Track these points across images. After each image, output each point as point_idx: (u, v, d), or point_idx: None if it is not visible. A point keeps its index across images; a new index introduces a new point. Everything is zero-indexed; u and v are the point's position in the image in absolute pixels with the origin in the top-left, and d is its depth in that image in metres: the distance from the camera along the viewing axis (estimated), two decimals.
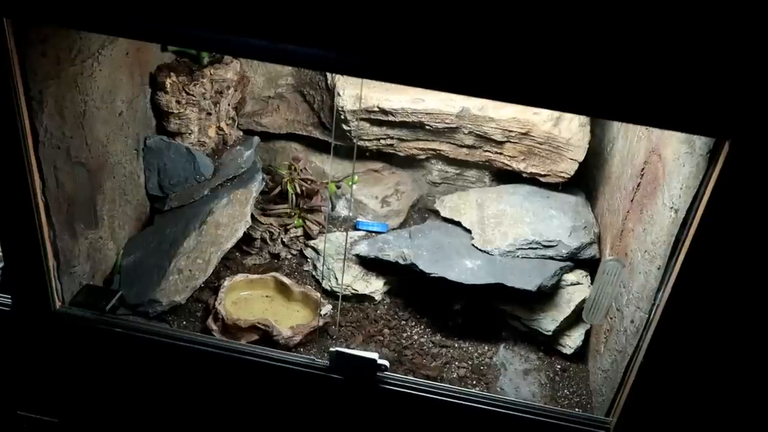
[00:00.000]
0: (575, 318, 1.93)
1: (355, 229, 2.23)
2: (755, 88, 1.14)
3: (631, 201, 1.77)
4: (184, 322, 1.87)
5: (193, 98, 2.05)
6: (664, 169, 1.56)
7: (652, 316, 1.45)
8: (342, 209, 2.29)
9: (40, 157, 1.55)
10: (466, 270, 1.90)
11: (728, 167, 1.24)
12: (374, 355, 1.63)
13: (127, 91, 1.90)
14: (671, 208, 1.45)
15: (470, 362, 1.88)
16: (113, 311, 1.78)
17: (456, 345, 1.93)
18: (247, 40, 1.26)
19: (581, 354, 1.93)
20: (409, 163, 2.31)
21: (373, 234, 2.18)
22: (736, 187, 1.24)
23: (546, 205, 2.08)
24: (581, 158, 2.04)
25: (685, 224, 1.36)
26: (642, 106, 1.21)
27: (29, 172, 1.52)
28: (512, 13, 1.15)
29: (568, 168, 2.07)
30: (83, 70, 1.66)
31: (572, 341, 1.91)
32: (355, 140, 2.13)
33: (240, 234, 2.00)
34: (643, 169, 1.72)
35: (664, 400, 1.49)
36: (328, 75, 2.12)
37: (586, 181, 2.23)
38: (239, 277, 1.95)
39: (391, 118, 2.06)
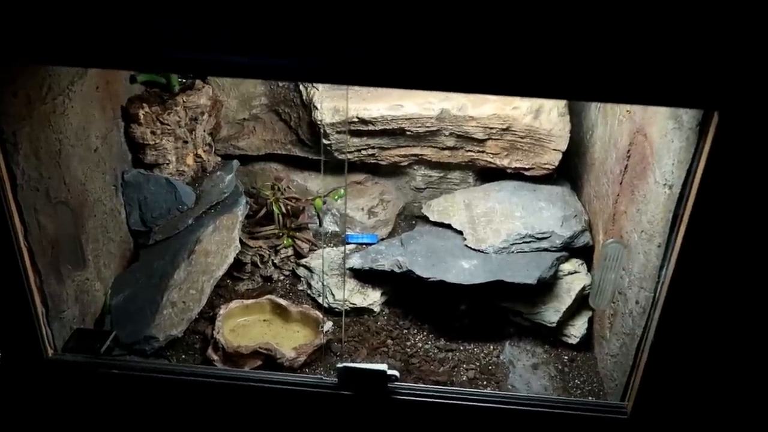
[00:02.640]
0: (577, 307, 1.93)
1: (346, 243, 2.21)
2: (739, 58, 1.15)
3: (620, 184, 1.78)
4: (183, 356, 1.82)
5: (168, 127, 2.01)
6: (651, 147, 1.57)
7: (658, 294, 1.45)
8: (329, 224, 2.27)
9: (19, 201, 1.50)
10: (464, 271, 1.89)
11: (719, 138, 1.24)
12: (383, 366, 1.60)
13: (101, 126, 1.85)
14: (665, 184, 1.46)
15: (478, 363, 1.86)
16: (108, 353, 1.73)
17: (461, 348, 1.90)
18: (219, 57, 1.23)
19: (586, 342, 1.92)
20: (392, 171, 2.30)
21: (364, 246, 2.15)
22: (729, 156, 1.25)
23: (534, 198, 2.08)
24: (564, 148, 2.05)
25: (681, 199, 1.37)
26: (627, 85, 1.21)
27: (10, 217, 1.47)
28: None
29: (552, 159, 2.07)
30: (55, 107, 1.61)
31: (576, 330, 1.91)
32: (345, 153, 2.11)
33: (231, 260, 1.96)
34: (628, 150, 1.73)
35: (679, 378, 1.49)
36: (303, 90, 2.10)
37: (568, 172, 2.24)
38: (234, 303, 1.90)
39: (371, 127, 2.04)
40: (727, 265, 1.34)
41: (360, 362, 1.77)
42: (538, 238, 1.96)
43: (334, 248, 2.16)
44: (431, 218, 2.16)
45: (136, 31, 1.20)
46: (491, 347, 1.91)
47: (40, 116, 1.56)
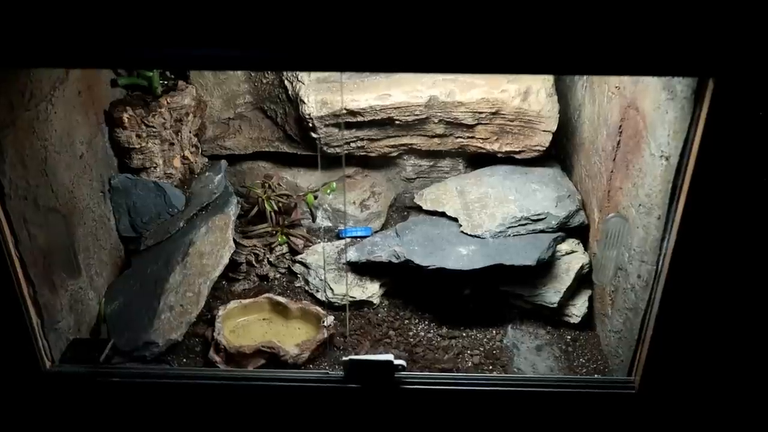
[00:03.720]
0: (577, 286, 1.93)
1: (340, 237, 2.19)
2: (731, 24, 1.15)
3: (614, 160, 1.78)
4: (185, 360, 1.79)
5: (154, 130, 1.97)
6: (644, 121, 1.57)
7: (660, 267, 1.45)
8: (322, 220, 2.24)
9: (8, 211, 1.46)
10: (462, 257, 1.88)
11: (715, 105, 1.25)
12: (389, 357, 1.59)
13: (85, 131, 1.81)
14: (661, 156, 1.46)
15: (482, 348, 1.85)
16: (108, 362, 1.69)
17: (464, 334, 1.90)
18: (190, 51, 1.21)
19: (588, 321, 1.92)
20: (381, 163, 2.28)
21: (359, 239, 2.14)
22: (726, 123, 1.25)
23: (527, 180, 2.07)
24: (554, 128, 2.05)
25: (679, 169, 1.37)
26: (620, 56, 1.20)
27: (0, 228, 1.43)
28: None
29: (542, 140, 2.07)
30: (38, 114, 1.57)
31: (577, 309, 1.91)
32: (340, 144, 2.09)
33: (226, 260, 1.93)
34: (620, 126, 1.73)
35: (686, 348, 1.49)
36: (289, 85, 2.07)
37: (557, 154, 2.24)
38: (233, 304, 1.88)
39: (359, 118, 2.02)
40: (729, 232, 1.34)
41: (365, 354, 1.75)
42: (533, 220, 1.95)
43: (329, 243, 2.14)
44: (424, 207, 2.15)
45: (101, 29, 1.16)
46: (494, 332, 1.90)
47: (24, 123, 1.52)
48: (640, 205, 1.58)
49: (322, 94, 2.01)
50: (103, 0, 1.14)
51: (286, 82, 2.07)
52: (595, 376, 1.77)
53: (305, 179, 2.27)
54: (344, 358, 1.58)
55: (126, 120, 1.92)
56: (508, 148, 2.11)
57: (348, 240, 2.15)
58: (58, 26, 1.17)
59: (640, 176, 1.59)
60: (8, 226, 1.45)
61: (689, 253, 1.38)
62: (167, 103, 2.00)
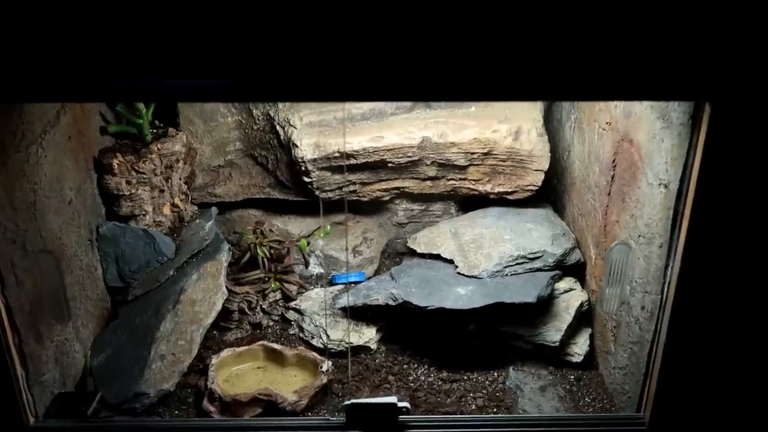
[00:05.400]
0: (577, 324, 1.90)
1: (333, 284, 2.15)
2: (726, 48, 1.17)
3: (609, 195, 1.79)
4: (177, 412, 1.70)
5: (144, 176, 1.94)
6: (639, 152, 1.59)
7: (665, 295, 1.44)
8: (314, 267, 2.21)
9: None
10: (461, 297, 1.85)
11: (713, 129, 1.26)
12: (393, 399, 1.53)
13: (75, 177, 1.78)
14: (659, 184, 1.47)
15: (485, 391, 1.80)
16: (96, 415, 1.61)
17: (465, 377, 1.84)
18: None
19: (590, 360, 1.89)
20: (373, 208, 2.27)
21: (353, 285, 2.10)
22: (724, 146, 1.26)
23: (521, 220, 2.07)
24: (546, 167, 2.06)
25: (680, 195, 1.37)
26: (616, 81, 1.21)
27: None
28: None
29: (534, 180, 2.08)
30: (29, 156, 1.54)
31: (579, 348, 1.87)
32: (344, 190, 2.08)
33: (219, 307, 1.87)
34: (614, 160, 1.75)
35: (696, 379, 1.46)
36: (281, 130, 2.07)
37: (547, 196, 2.25)
38: (226, 352, 1.81)
39: (353, 161, 2.02)
40: (734, 254, 1.34)
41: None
42: (530, 258, 1.94)
43: (323, 289, 2.09)
44: (418, 250, 2.13)
45: (76, 62, 1.15)
46: (495, 374, 1.86)
47: (14, 165, 1.49)
48: (639, 235, 1.58)
49: (314, 137, 2.01)
50: (89, 32, 1.14)
51: (277, 127, 2.07)
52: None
53: (296, 226, 2.24)
54: (346, 402, 1.52)
55: (116, 166, 1.89)
56: (500, 189, 2.12)
57: (342, 286, 2.11)
58: (41, 59, 1.15)
59: (638, 207, 1.60)
60: None
61: (695, 278, 1.37)
62: (158, 149, 1.98)
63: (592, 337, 1.91)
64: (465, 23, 1.14)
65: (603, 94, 1.35)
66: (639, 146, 1.59)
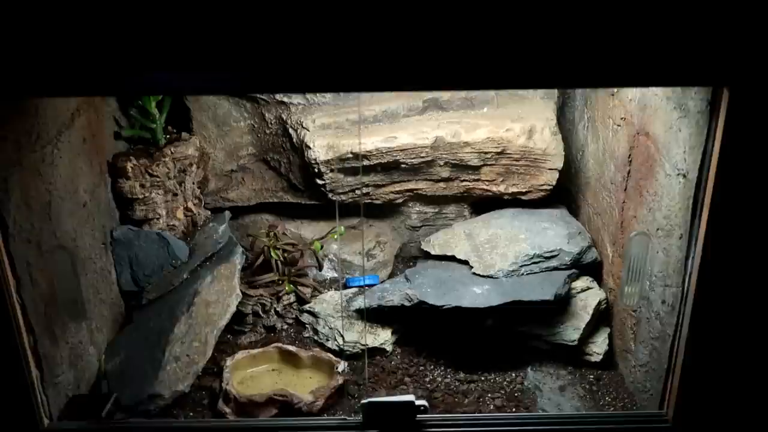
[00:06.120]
0: (595, 323, 1.87)
1: (347, 287, 2.13)
2: (744, 31, 1.16)
3: (625, 190, 1.77)
4: (191, 414, 1.69)
5: (158, 179, 1.95)
6: (656, 144, 1.57)
7: (687, 286, 1.42)
8: (328, 271, 2.20)
9: (11, 252, 1.40)
10: (477, 296, 1.83)
11: (732, 114, 1.25)
12: (410, 397, 1.51)
13: (89, 180, 1.78)
14: (678, 174, 1.45)
15: (503, 391, 1.77)
16: (110, 417, 1.59)
17: (483, 378, 1.82)
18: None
19: (609, 359, 1.86)
20: (386, 212, 2.26)
21: (367, 287, 2.08)
22: (744, 131, 1.25)
23: (536, 220, 2.06)
24: (560, 166, 2.05)
25: (699, 183, 1.36)
26: (632, 67, 1.20)
27: (2, 269, 1.37)
28: None
29: (548, 179, 2.07)
30: (44, 156, 1.55)
31: (598, 347, 1.85)
32: (361, 189, 2.06)
33: (233, 308, 1.86)
34: (629, 156, 1.73)
35: (720, 374, 1.43)
36: (293, 133, 2.07)
37: (561, 198, 2.23)
38: (241, 354, 1.79)
39: (366, 162, 2.01)
40: (756, 243, 1.31)
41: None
42: (546, 257, 1.92)
43: (336, 291, 2.08)
44: (432, 252, 2.11)
45: (91, 57, 1.16)
46: (513, 374, 1.83)
47: (30, 164, 1.49)
48: (658, 228, 1.56)
49: (327, 138, 2.01)
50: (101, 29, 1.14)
51: (290, 130, 2.08)
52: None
53: (309, 230, 2.23)
54: (363, 401, 1.50)
55: (130, 169, 1.90)
56: (514, 189, 2.10)
57: (356, 289, 2.09)
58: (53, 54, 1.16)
59: (656, 199, 1.58)
60: (11, 267, 1.40)
61: (716, 268, 1.35)
62: (171, 152, 1.99)
63: (611, 336, 1.88)
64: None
65: (620, 80, 1.34)
66: (655, 138, 1.57)
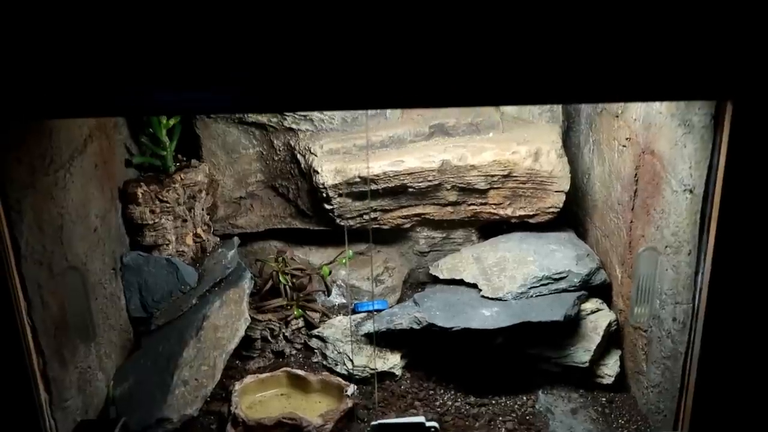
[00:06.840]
0: (606, 345, 1.86)
1: (355, 312, 2.13)
2: (747, 44, 1.18)
3: (632, 210, 1.78)
4: None
5: (167, 205, 1.97)
6: (662, 162, 1.58)
7: (697, 303, 1.41)
8: (336, 297, 2.19)
9: (23, 274, 1.41)
10: (486, 318, 1.82)
11: (736, 127, 1.26)
12: (420, 419, 1.50)
13: (100, 205, 1.80)
14: (684, 190, 1.46)
15: (514, 415, 1.75)
16: None
17: (493, 401, 1.80)
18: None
19: (621, 381, 1.84)
20: (394, 238, 2.27)
21: (376, 312, 2.08)
22: (749, 144, 1.25)
23: (544, 242, 2.06)
24: (567, 188, 2.06)
25: (706, 197, 1.36)
26: (636, 81, 1.21)
27: (13, 290, 1.38)
28: None
29: (555, 202, 2.07)
30: (57, 180, 1.57)
31: (610, 369, 1.83)
32: (369, 214, 2.07)
33: (242, 333, 1.85)
34: (636, 175, 1.74)
35: (735, 390, 1.41)
36: (301, 159, 2.09)
37: (568, 222, 2.23)
38: (249, 378, 1.78)
39: (373, 186, 2.03)
40: (766, 253, 1.31)
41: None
42: (555, 279, 1.91)
43: (345, 316, 2.07)
44: (441, 276, 2.11)
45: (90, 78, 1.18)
46: (524, 397, 1.81)
47: (43, 187, 1.51)
48: (666, 246, 1.56)
49: (335, 163, 2.03)
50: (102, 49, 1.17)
51: (298, 155, 2.10)
52: None
53: (318, 256, 2.24)
54: (372, 423, 1.49)
55: (140, 195, 1.92)
56: (521, 213, 2.11)
57: (364, 314, 2.09)
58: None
59: (664, 217, 1.58)
60: (22, 289, 1.40)
61: (727, 282, 1.34)
62: (181, 179, 2.01)
63: (622, 358, 1.86)
64: (490, 18, 1.16)
65: (624, 95, 1.35)
66: (661, 156, 1.59)
